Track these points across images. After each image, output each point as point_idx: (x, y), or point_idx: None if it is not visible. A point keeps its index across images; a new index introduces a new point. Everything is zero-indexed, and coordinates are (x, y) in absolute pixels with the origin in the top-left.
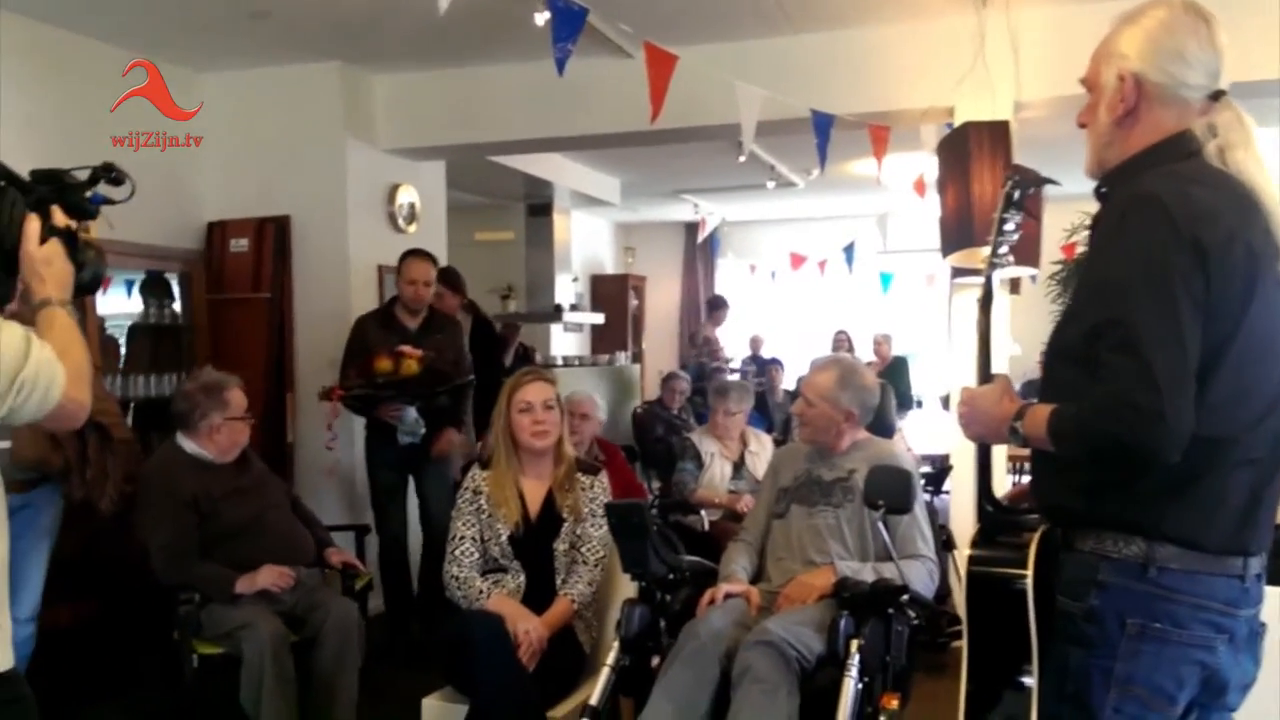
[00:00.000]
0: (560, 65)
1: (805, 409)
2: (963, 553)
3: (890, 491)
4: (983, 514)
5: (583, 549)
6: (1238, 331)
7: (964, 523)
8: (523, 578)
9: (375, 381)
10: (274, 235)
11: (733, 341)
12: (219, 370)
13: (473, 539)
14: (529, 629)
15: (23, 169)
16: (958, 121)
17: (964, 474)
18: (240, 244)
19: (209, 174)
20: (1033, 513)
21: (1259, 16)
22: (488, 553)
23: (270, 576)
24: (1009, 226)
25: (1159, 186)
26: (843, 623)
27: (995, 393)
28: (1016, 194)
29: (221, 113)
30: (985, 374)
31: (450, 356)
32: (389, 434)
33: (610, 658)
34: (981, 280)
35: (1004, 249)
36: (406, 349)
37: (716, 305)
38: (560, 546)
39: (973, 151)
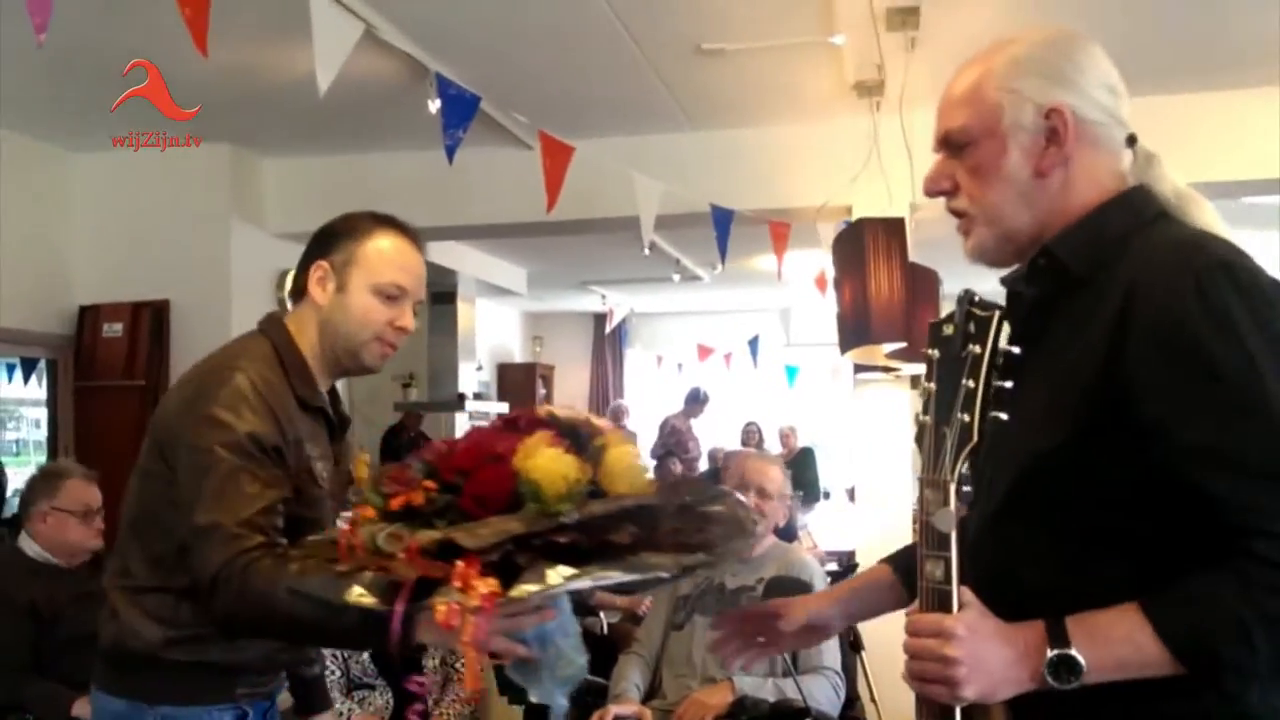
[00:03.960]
0: (450, 153)
1: (762, 503)
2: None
3: None
4: None
5: (457, 664)
6: None
7: (873, 622)
8: (390, 696)
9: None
10: (150, 320)
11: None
12: (80, 462)
13: (332, 656)
14: None
15: None
16: (854, 218)
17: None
18: (114, 329)
19: (83, 255)
20: None
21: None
22: (350, 671)
23: None
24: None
25: (1228, 253)
26: None
27: (981, 617)
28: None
29: (98, 193)
30: (942, 599)
31: None
32: None
33: None
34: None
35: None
36: None
37: (695, 399)
38: (430, 662)
39: (868, 247)
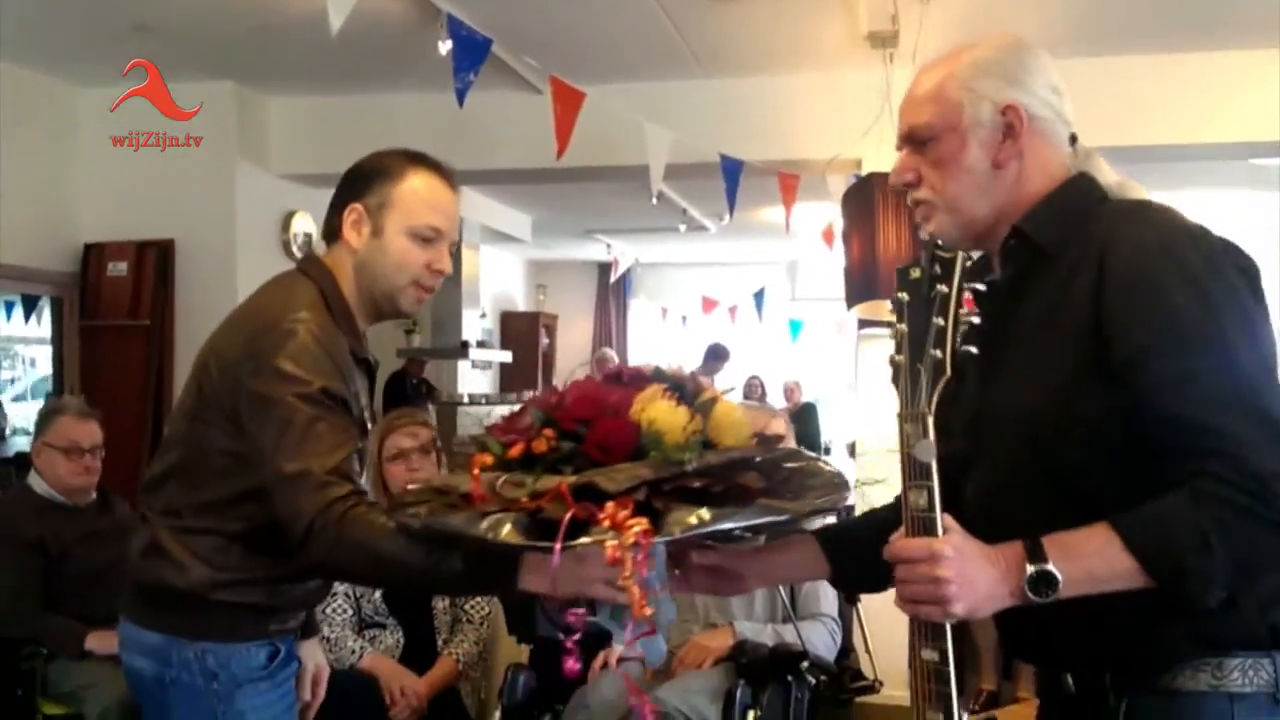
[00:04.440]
0: (460, 96)
1: None
2: None
3: None
4: None
5: (466, 605)
6: None
7: None
8: (400, 635)
9: None
10: (155, 260)
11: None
12: (89, 401)
13: (345, 595)
14: (406, 687)
15: None
16: (865, 171)
17: None
18: (119, 268)
19: (88, 194)
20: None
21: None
22: (361, 610)
23: None
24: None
25: (1187, 222)
26: (739, 693)
27: (966, 539)
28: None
29: (103, 131)
30: (927, 525)
31: None
32: None
33: None
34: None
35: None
36: None
37: (716, 355)
38: (440, 603)
39: (878, 203)
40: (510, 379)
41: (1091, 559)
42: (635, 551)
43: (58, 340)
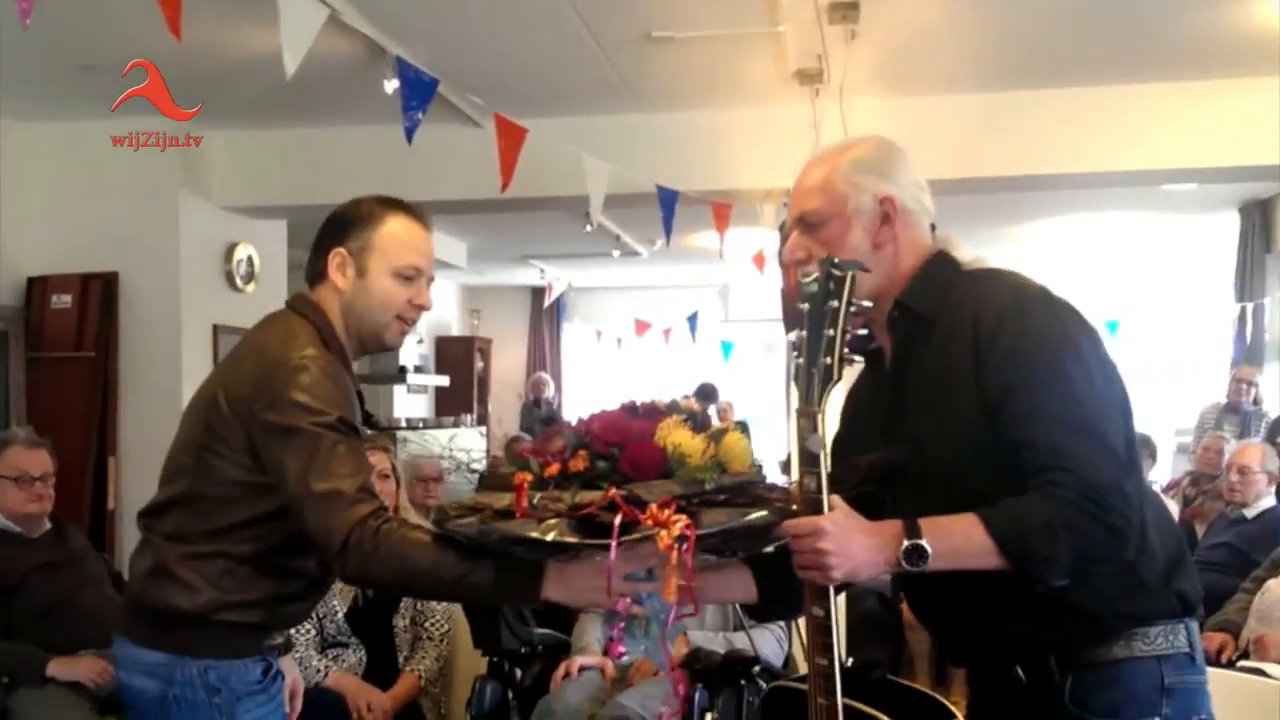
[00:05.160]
0: (409, 133)
1: None
2: None
3: None
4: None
5: (426, 624)
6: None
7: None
8: (363, 653)
9: None
10: (100, 292)
11: None
12: (37, 431)
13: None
14: (372, 703)
15: None
16: None
17: None
18: (63, 300)
19: (30, 227)
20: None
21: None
22: (324, 630)
23: (91, 669)
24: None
25: (1037, 286)
26: (697, 695)
27: (849, 515)
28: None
29: (43, 164)
30: (815, 505)
31: None
32: None
33: None
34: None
35: (830, 344)
36: None
37: (706, 394)
38: (401, 622)
39: None
40: (446, 403)
41: (957, 538)
42: (682, 542)
43: (3, 372)
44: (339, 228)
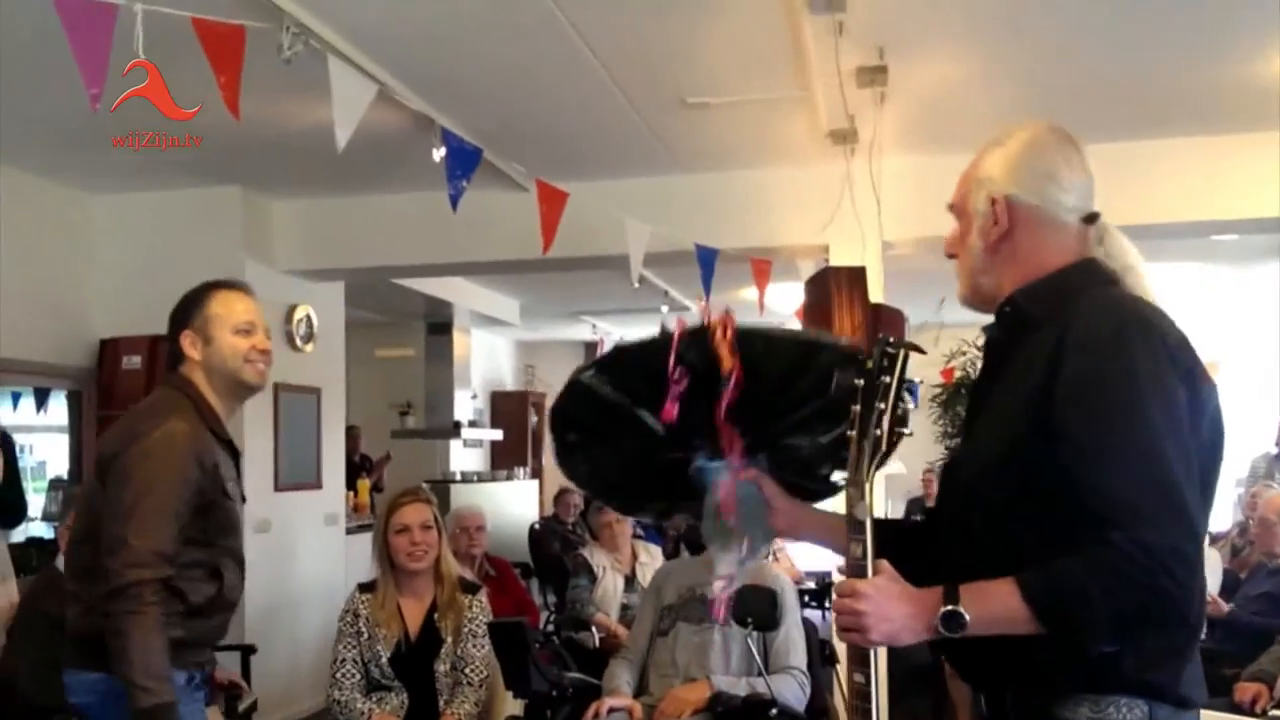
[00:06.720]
0: (454, 201)
1: None
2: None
3: (757, 609)
4: None
5: (466, 670)
6: (1215, 477)
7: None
8: (405, 696)
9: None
10: (168, 352)
11: None
12: None
13: (353, 661)
14: None
15: None
16: (832, 257)
17: None
18: (133, 361)
19: (102, 292)
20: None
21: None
22: (369, 673)
23: None
24: (888, 405)
25: (1147, 311)
26: None
27: (892, 581)
28: (888, 359)
29: (117, 233)
30: (859, 571)
31: None
32: None
33: None
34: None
35: (880, 417)
36: None
37: None
38: (441, 667)
39: (833, 293)
40: (500, 457)
41: (994, 605)
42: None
43: (76, 430)
44: (181, 316)
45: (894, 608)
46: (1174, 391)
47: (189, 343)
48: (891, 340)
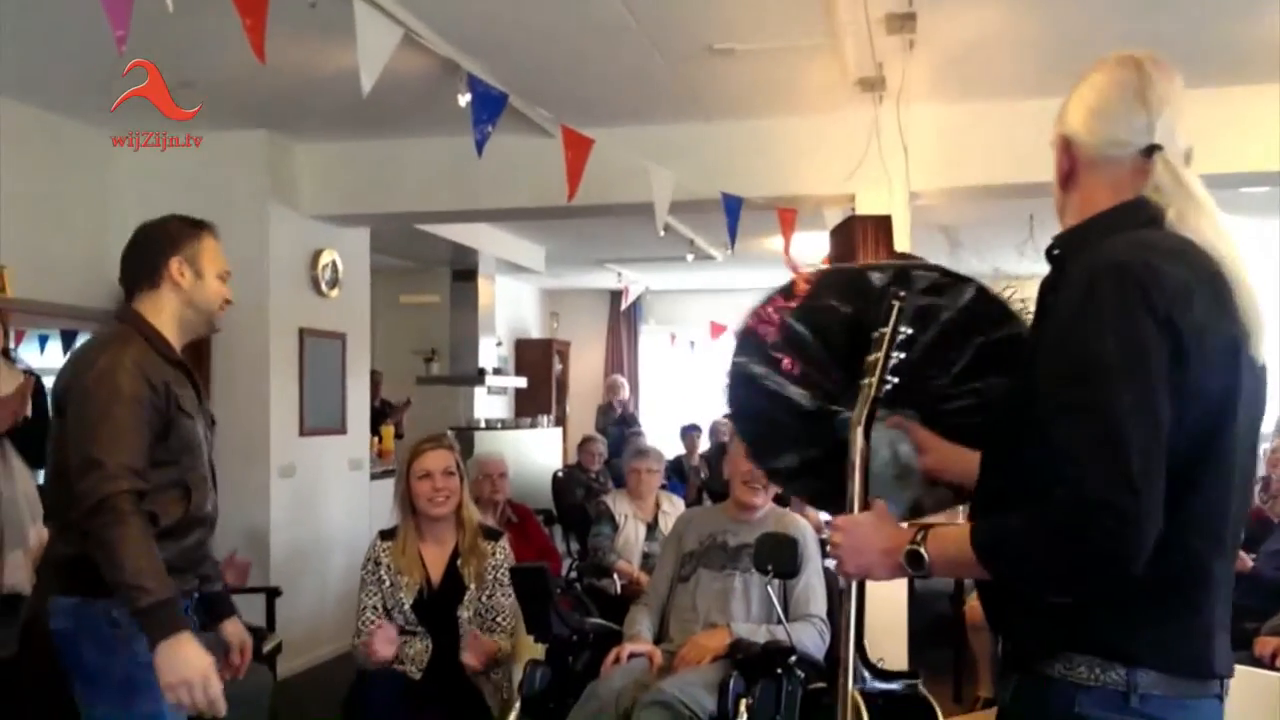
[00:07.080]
0: (480, 146)
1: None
2: None
3: (777, 557)
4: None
5: (496, 619)
6: (1225, 429)
7: (871, 586)
8: (430, 641)
9: None
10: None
11: None
12: None
13: (374, 609)
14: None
15: None
16: (859, 206)
17: None
18: None
19: (128, 234)
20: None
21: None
22: (392, 619)
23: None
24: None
25: (1130, 255)
26: (732, 682)
27: (874, 518)
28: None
29: (142, 175)
30: (864, 503)
31: None
32: None
33: (512, 717)
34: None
35: (872, 366)
36: None
37: None
38: (465, 613)
39: (858, 242)
40: (525, 404)
41: (951, 549)
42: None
43: None
44: (168, 243)
45: (869, 543)
46: (1141, 341)
47: (177, 268)
48: (902, 294)
